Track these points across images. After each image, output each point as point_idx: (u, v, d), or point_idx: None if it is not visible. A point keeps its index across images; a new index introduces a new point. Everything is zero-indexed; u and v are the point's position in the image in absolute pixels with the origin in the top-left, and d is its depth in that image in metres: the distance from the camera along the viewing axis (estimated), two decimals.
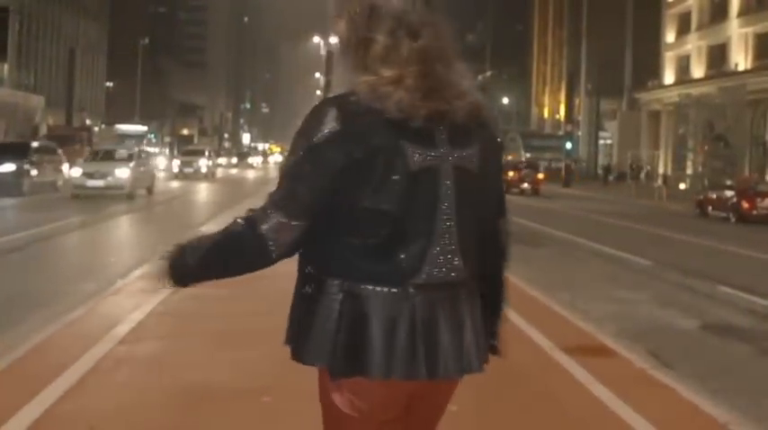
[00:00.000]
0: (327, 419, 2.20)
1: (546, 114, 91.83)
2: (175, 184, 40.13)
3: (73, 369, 5.65)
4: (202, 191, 37.09)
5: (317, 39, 51.44)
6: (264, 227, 2.07)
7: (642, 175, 56.20)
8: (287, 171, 2.12)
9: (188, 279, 2.22)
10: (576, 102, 75.93)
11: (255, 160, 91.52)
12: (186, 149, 55.43)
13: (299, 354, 2.19)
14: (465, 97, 2.16)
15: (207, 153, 48.61)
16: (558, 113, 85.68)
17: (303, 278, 2.20)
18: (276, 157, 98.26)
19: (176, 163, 48.37)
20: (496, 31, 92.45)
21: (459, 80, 2.21)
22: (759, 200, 27.94)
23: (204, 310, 8.07)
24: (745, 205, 27.79)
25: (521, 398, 5.58)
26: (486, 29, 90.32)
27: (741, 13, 52.76)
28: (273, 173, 50.62)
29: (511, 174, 29.95)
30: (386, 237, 2.06)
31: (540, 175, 39.30)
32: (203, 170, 45.48)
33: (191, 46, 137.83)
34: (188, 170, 45.46)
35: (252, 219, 2.09)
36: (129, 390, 5.36)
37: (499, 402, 5.48)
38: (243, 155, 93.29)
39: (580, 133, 73.70)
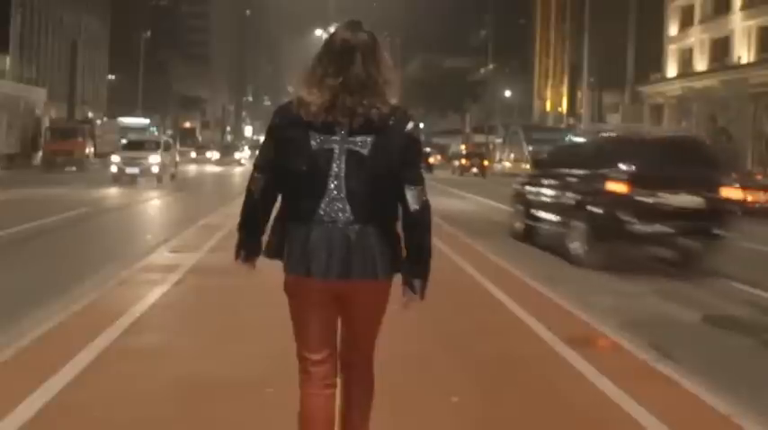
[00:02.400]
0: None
1: (548, 107, 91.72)
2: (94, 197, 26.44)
3: (77, 359, 5.67)
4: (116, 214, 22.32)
5: (318, 32, 51.21)
6: (250, 179, 3.49)
7: None
8: (262, 144, 3.57)
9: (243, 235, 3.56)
10: (579, 95, 75.80)
11: (244, 155, 70.98)
12: (130, 141, 38.81)
13: (272, 257, 3.46)
14: (362, 115, 3.22)
15: (161, 145, 35.59)
16: (561, 107, 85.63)
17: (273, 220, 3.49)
18: None
19: (115, 160, 33.94)
20: (499, 25, 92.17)
21: (372, 100, 3.24)
22: (762, 193, 27.92)
23: (206, 302, 8.10)
24: (749, 199, 27.77)
25: (522, 389, 5.59)
26: (489, 22, 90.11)
27: (744, 6, 52.67)
28: None
29: (463, 161, 33.48)
30: (298, 192, 3.29)
31: (486, 162, 48.06)
32: (154, 170, 33.17)
33: (193, 39, 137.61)
34: (132, 171, 33.03)
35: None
36: (132, 381, 5.39)
37: (501, 394, 5.49)
38: (228, 148, 75.98)
39: (582, 126, 73.59)
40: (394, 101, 3.34)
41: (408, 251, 3.38)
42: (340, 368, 3.50)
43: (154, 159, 33.25)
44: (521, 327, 7.52)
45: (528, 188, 16.32)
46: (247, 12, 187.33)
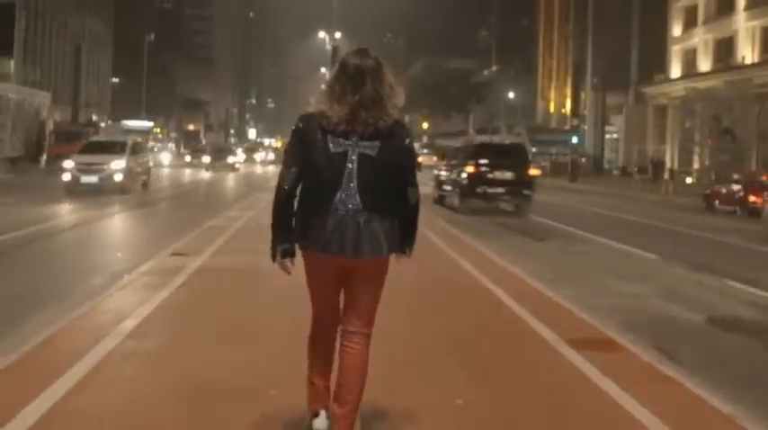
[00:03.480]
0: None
1: (552, 109, 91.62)
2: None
3: (81, 363, 5.68)
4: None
5: (322, 34, 51.50)
6: (280, 175, 4.13)
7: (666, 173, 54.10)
8: (286, 145, 4.30)
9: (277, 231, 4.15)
10: (582, 96, 75.73)
11: (239, 159, 63.38)
12: (90, 143, 31.68)
13: (296, 241, 4.15)
14: (375, 122, 3.99)
15: (127, 147, 28.51)
16: (564, 108, 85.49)
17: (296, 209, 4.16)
18: (265, 155, 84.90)
19: (68, 166, 27.15)
20: (502, 26, 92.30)
21: (379, 113, 4.00)
22: (766, 194, 27.84)
23: (210, 305, 8.11)
24: (753, 199, 27.72)
25: (526, 391, 5.59)
26: (492, 23, 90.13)
27: (748, 7, 52.60)
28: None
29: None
30: (319, 185, 4.02)
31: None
32: (117, 178, 26.71)
33: (196, 41, 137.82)
34: (88, 180, 26.86)
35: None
36: (136, 385, 5.39)
37: (505, 395, 5.49)
38: (221, 152, 59.82)
39: (586, 127, 73.51)
40: (395, 113, 4.11)
41: (403, 229, 4.22)
42: (341, 339, 4.21)
43: (117, 165, 26.91)
44: (525, 329, 7.52)
45: (438, 173, 27.98)
46: (251, 14, 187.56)
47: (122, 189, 26.69)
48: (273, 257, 4.14)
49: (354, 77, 4.02)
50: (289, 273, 4.14)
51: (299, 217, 4.11)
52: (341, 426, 4.06)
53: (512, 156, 24.86)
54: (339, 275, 4.12)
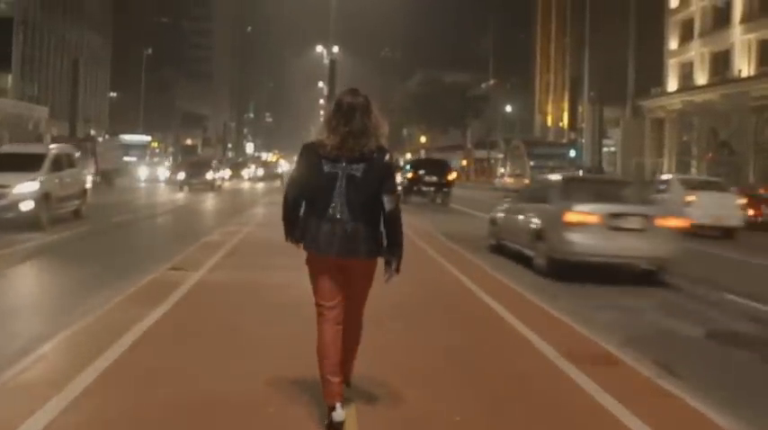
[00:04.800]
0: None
1: (549, 122, 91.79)
2: None
3: (79, 379, 5.64)
4: None
5: (320, 48, 51.45)
6: (285, 190, 5.18)
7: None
8: (294, 166, 5.30)
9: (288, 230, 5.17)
10: (580, 109, 75.88)
11: (220, 175, 52.16)
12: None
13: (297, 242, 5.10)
14: (360, 149, 4.87)
15: (46, 162, 20.07)
16: (562, 121, 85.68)
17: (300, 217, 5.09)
18: (254, 171, 71.34)
19: None
20: (499, 40, 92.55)
21: (365, 141, 4.88)
22: (764, 206, 27.87)
23: (209, 321, 8.07)
24: (751, 212, 27.73)
25: (525, 406, 5.56)
26: (490, 38, 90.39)
27: (744, 20, 52.74)
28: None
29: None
30: (315, 199, 4.94)
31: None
32: (24, 208, 18.46)
33: (195, 56, 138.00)
34: None
35: None
36: (133, 401, 5.35)
37: (504, 411, 5.47)
38: (197, 167, 47.68)
39: (584, 141, 73.62)
40: (382, 140, 5.02)
41: (388, 240, 5.00)
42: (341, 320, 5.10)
43: (25, 188, 18.56)
44: (523, 344, 7.49)
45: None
46: (249, 28, 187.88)
47: (33, 222, 18.14)
48: (287, 239, 5.19)
49: (347, 113, 4.92)
50: (298, 247, 5.08)
51: (302, 223, 5.06)
52: (345, 371, 5.16)
53: (437, 167, 38.84)
54: (332, 271, 4.99)
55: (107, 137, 68.90)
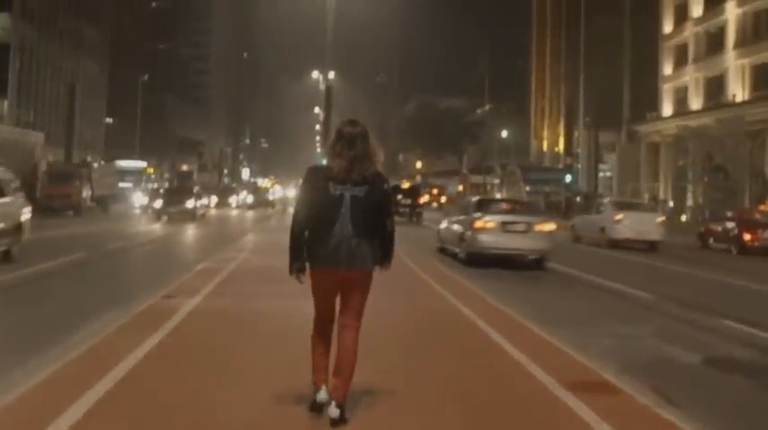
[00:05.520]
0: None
1: (545, 147, 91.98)
2: None
3: (71, 411, 5.53)
4: None
5: (315, 73, 51.56)
6: (295, 212, 5.63)
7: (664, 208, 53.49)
8: (299, 190, 5.83)
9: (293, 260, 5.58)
10: (575, 134, 76.10)
11: (203, 202, 46.71)
12: None
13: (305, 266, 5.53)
14: (363, 173, 5.41)
15: None
16: (558, 146, 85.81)
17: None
18: (243, 197, 66.05)
19: None
20: (495, 65, 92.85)
21: (367, 166, 5.43)
22: (761, 231, 27.86)
23: (206, 349, 7.96)
24: (747, 237, 27.72)
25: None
26: (485, 63, 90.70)
27: (737, 45, 53.04)
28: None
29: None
30: (323, 218, 5.39)
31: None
32: None
33: (191, 82, 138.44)
34: None
35: None
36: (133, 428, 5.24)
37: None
38: (176, 194, 43.77)
39: (579, 166, 73.73)
40: (379, 166, 5.56)
41: (382, 248, 5.63)
42: (338, 331, 5.61)
43: None
44: (520, 372, 7.40)
45: None
46: (245, 54, 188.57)
47: None
48: (291, 272, 5.55)
49: (349, 140, 5.47)
50: (301, 282, 5.55)
51: (309, 242, 5.49)
52: (338, 393, 5.40)
53: (412, 192, 47.44)
54: (336, 285, 5.53)
55: (102, 163, 68.98)
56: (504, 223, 19.42)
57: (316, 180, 5.50)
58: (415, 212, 44.41)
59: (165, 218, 38.70)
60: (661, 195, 57.18)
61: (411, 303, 11.77)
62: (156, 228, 33.78)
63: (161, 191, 46.86)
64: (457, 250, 20.47)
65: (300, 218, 5.53)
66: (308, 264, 5.52)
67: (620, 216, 29.07)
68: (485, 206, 21.26)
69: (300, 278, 5.55)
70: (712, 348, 10.06)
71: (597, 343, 9.57)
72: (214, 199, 59.06)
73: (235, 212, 54.90)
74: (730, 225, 29.39)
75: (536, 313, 11.10)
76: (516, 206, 22.69)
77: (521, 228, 19.38)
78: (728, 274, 20.12)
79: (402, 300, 11.72)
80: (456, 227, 21.29)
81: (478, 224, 19.37)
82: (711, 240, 30.31)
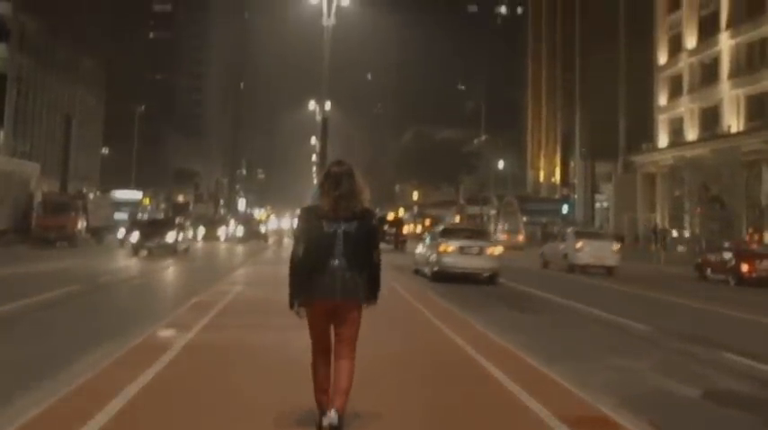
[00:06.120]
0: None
1: (542, 178, 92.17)
2: None
3: None
4: None
5: (312, 104, 51.66)
6: (293, 249, 5.89)
7: (668, 239, 53.21)
8: (295, 229, 6.26)
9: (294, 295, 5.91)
10: (572, 165, 76.23)
11: (186, 236, 41.08)
12: None
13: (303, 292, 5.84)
14: (351, 209, 5.75)
15: None
16: (554, 177, 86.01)
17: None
18: (233, 230, 60.46)
19: None
20: (491, 97, 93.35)
21: (354, 203, 5.76)
22: (758, 262, 27.74)
23: (203, 384, 7.82)
24: (745, 268, 27.59)
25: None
26: (482, 94, 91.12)
27: (731, 76, 53.28)
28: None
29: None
30: (318, 254, 5.74)
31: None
32: None
33: (188, 112, 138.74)
34: None
35: None
36: None
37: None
38: (154, 227, 39.07)
39: (576, 196, 73.77)
40: (366, 203, 5.90)
41: (370, 281, 5.93)
42: (334, 359, 5.90)
43: None
44: (517, 406, 7.26)
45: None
46: (242, 85, 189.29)
47: None
48: (291, 306, 5.91)
49: (335, 179, 5.82)
50: (301, 318, 5.88)
51: (305, 275, 5.78)
52: (338, 405, 5.74)
53: (396, 223, 52.70)
54: (330, 315, 5.83)
55: (98, 193, 68.85)
56: (461, 247, 24.05)
57: (309, 219, 5.88)
58: (398, 241, 49.41)
59: (143, 253, 34.57)
60: (658, 223, 57.11)
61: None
62: (131, 263, 29.97)
63: (139, 222, 42.36)
64: (426, 270, 25.07)
65: (298, 255, 5.86)
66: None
67: (580, 244, 32.36)
68: (448, 234, 25.71)
69: (300, 313, 5.89)
70: (711, 381, 9.93)
71: (596, 377, 9.43)
72: (201, 231, 55.00)
73: (224, 246, 49.90)
74: (727, 256, 29.26)
75: (533, 344, 10.94)
76: (473, 233, 27.08)
77: (475, 250, 24.13)
78: (726, 306, 19.98)
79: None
80: (426, 251, 25.95)
81: (442, 248, 24.06)
82: (709, 271, 30.17)
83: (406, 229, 77.44)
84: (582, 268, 31.92)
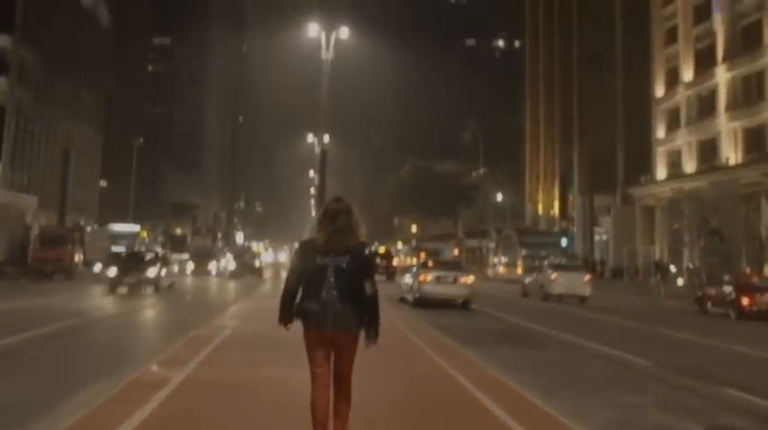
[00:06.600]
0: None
1: (540, 211, 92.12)
2: None
3: None
4: None
5: (311, 137, 51.62)
6: (286, 280, 6.29)
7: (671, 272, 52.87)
8: (291, 261, 6.76)
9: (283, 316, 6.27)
10: (570, 198, 76.19)
11: (172, 270, 40.64)
12: None
13: (294, 322, 6.18)
14: (346, 245, 6.02)
15: None
16: (553, 210, 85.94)
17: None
18: (225, 263, 53.40)
19: None
20: (490, 129, 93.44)
21: (349, 238, 6.06)
22: (758, 295, 27.54)
23: (199, 418, 7.67)
24: (745, 301, 27.39)
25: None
26: (480, 126, 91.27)
27: (729, 108, 53.41)
28: None
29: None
30: (311, 285, 6.01)
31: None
32: None
33: (186, 145, 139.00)
34: None
35: None
36: None
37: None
38: (133, 261, 34.63)
39: (575, 229, 73.65)
40: (362, 238, 6.20)
41: (367, 314, 6.10)
42: (333, 398, 6.13)
43: None
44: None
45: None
46: (240, 118, 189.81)
47: None
48: (279, 321, 6.22)
49: (332, 215, 6.14)
50: (288, 330, 6.21)
51: (300, 306, 6.09)
52: (337, 427, 6.15)
53: (386, 256, 55.91)
54: (325, 345, 6.07)
55: (96, 226, 68.79)
56: (438, 277, 27.43)
57: (305, 252, 6.18)
58: (388, 272, 52.22)
59: (122, 289, 31.38)
60: (662, 257, 57.00)
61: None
62: (106, 303, 26.79)
63: (117, 256, 37.67)
64: (409, 297, 28.22)
65: (290, 284, 6.20)
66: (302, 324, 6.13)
67: (554, 275, 35.14)
68: (427, 265, 29.34)
69: (288, 327, 6.23)
70: (712, 417, 9.77)
71: (597, 412, 9.28)
72: (190, 265, 51.52)
73: (215, 281, 45.33)
74: (728, 289, 29.04)
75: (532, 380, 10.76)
76: (449, 265, 30.51)
77: (450, 280, 27.49)
78: (726, 340, 19.80)
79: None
80: (409, 281, 29.26)
81: (422, 278, 27.55)
82: (709, 304, 29.95)
83: (403, 262, 78.98)
84: (557, 297, 34.34)
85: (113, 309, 24.54)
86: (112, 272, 31.80)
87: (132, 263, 33.58)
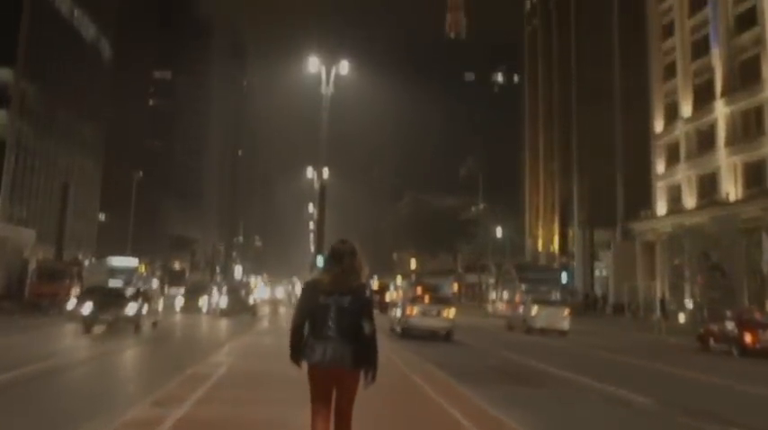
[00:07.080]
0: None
1: (540, 246, 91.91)
2: None
3: None
4: None
5: (310, 171, 51.47)
6: (293, 318, 6.56)
7: (668, 309, 52.68)
8: (297, 300, 6.89)
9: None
10: (570, 233, 76.00)
11: (156, 308, 33.33)
12: None
13: (302, 360, 6.39)
14: (350, 286, 6.35)
15: None
16: (553, 245, 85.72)
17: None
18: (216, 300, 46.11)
19: None
20: (489, 165, 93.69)
21: (353, 279, 6.40)
22: (761, 332, 27.22)
23: None
24: (748, 338, 27.08)
25: None
26: (479, 161, 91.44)
27: (728, 143, 53.39)
28: None
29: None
30: (314, 323, 6.33)
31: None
32: None
33: (185, 179, 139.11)
34: None
35: None
36: None
37: None
38: (110, 297, 29.80)
39: (575, 264, 73.38)
40: (363, 279, 6.47)
41: (366, 358, 6.27)
42: (334, 423, 6.29)
43: None
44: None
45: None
46: (239, 152, 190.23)
47: None
48: (291, 358, 6.44)
49: (338, 256, 6.47)
50: (300, 367, 6.37)
51: (305, 342, 6.33)
52: None
53: (381, 290, 56.05)
54: (326, 381, 6.26)
55: (94, 260, 68.51)
56: (423, 311, 29.73)
57: (310, 292, 6.47)
58: (382, 306, 52.21)
59: (99, 328, 28.22)
60: (657, 293, 56.68)
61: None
62: (80, 344, 23.36)
63: (93, 291, 32.90)
64: (397, 328, 30.45)
65: (297, 322, 6.44)
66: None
67: (536, 310, 37.10)
68: (413, 299, 31.23)
69: (300, 364, 6.42)
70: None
71: None
72: (180, 301, 47.64)
73: (205, 319, 40.70)
74: (730, 325, 28.71)
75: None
76: (434, 298, 31.78)
77: (434, 313, 29.70)
78: (730, 379, 19.52)
79: None
80: (397, 313, 31.57)
81: (408, 311, 29.85)
82: (712, 341, 29.61)
83: (399, 296, 79.64)
84: (539, 331, 35.77)
85: (81, 353, 20.79)
86: (87, 309, 27.98)
87: (110, 298, 29.60)
